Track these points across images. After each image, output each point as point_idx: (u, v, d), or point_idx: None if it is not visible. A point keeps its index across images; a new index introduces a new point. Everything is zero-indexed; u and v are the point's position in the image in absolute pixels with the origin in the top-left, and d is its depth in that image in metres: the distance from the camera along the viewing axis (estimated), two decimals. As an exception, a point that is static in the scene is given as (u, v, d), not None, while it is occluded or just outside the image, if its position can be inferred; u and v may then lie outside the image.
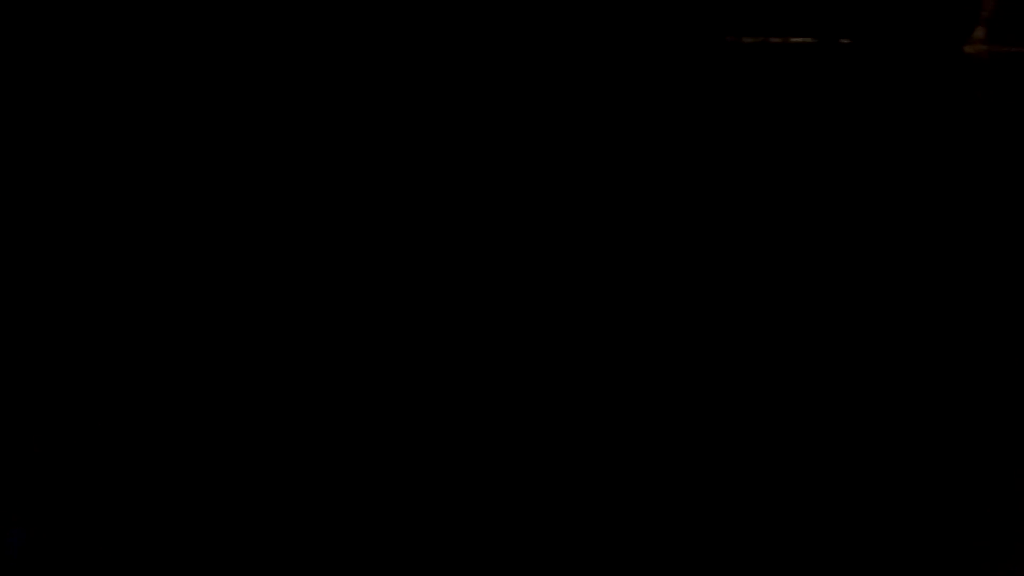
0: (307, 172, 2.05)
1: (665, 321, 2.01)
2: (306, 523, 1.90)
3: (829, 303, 1.99)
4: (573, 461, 1.93)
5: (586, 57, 2.00)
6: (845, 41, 1.96)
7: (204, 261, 2.03)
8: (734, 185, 2.02)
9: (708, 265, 2.01)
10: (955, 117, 1.96)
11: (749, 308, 2.00)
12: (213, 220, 2.03)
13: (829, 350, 1.97)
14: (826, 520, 1.85)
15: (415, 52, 2.01)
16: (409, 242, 2.03)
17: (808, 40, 1.97)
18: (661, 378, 1.98)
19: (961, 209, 1.97)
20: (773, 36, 1.97)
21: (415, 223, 2.04)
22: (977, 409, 1.91)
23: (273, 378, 2.00)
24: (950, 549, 1.79)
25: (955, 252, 1.97)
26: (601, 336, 2.01)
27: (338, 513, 1.90)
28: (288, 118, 2.04)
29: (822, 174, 2.00)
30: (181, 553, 1.87)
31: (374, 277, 2.04)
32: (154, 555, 1.87)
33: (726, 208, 2.01)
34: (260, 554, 1.87)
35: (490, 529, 1.88)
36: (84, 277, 2.02)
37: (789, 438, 1.93)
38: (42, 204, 2.02)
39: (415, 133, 2.04)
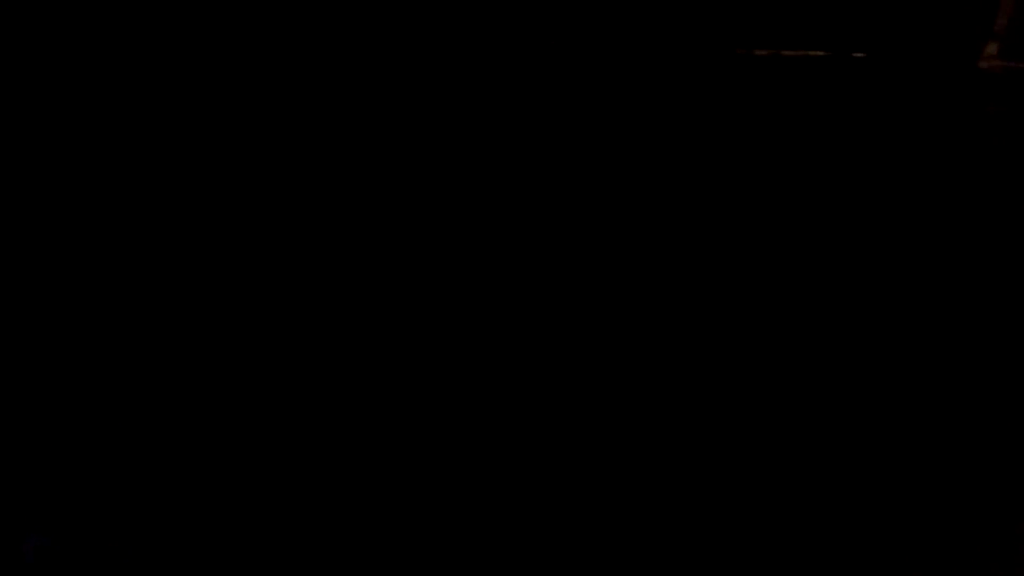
0: (307, 172, 2.05)
1: (687, 329, 2.01)
2: (316, 525, 1.91)
3: (843, 311, 2.00)
4: (573, 461, 1.94)
5: (597, 68, 2.00)
6: (858, 55, 1.96)
7: (205, 262, 2.03)
8: (746, 196, 2.02)
9: (722, 274, 2.02)
10: (967, 131, 1.96)
11: (761, 313, 2.00)
12: (213, 220, 2.04)
13: (838, 354, 1.98)
14: (826, 520, 1.86)
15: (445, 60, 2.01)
16: (409, 243, 2.04)
17: (821, 53, 1.96)
18: (661, 379, 1.99)
19: (974, 221, 1.97)
20: (786, 49, 1.96)
21: (416, 224, 2.04)
22: (977, 409, 1.92)
23: (288, 382, 2.01)
24: (950, 549, 1.81)
25: (967, 263, 1.97)
26: (610, 338, 2.02)
27: (338, 513, 1.91)
28: (288, 118, 2.03)
29: (834, 186, 2.00)
30: (191, 559, 1.88)
31: (373, 277, 2.04)
32: (165, 562, 1.88)
33: (736, 217, 2.01)
34: (274, 560, 1.88)
35: (490, 529, 1.89)
36: (111, 285, 2.02)
37: (789, 438, 1.94)
38: (42, 204, 2.02)
39: (443, 138, 2.04)
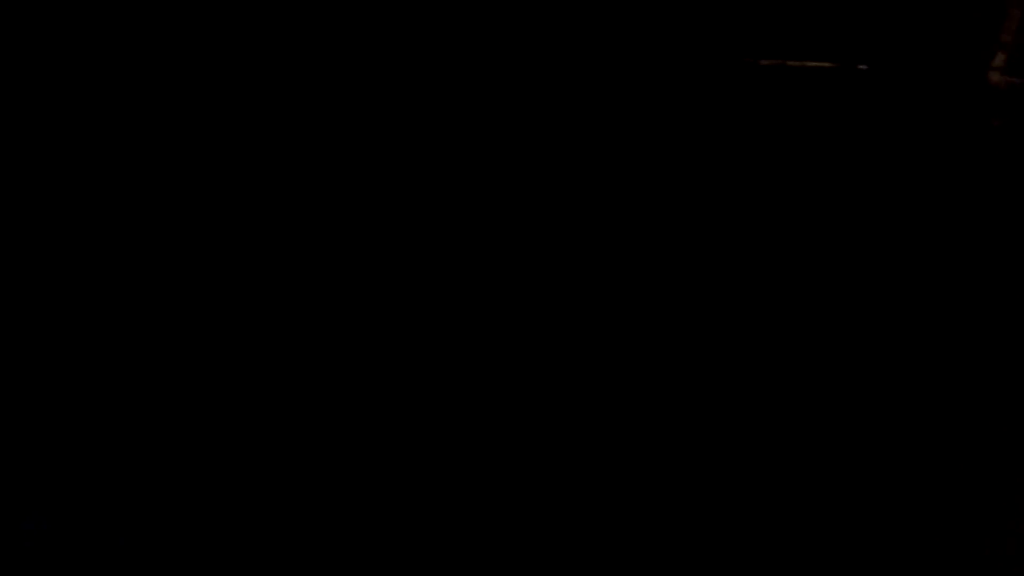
0: (307, 172, 2.07)
1: (689, 334, 2.01)
2: (303, 513, 1.91)
3: (847, 319, 1.99)
4: (572, 461, 1.93)
5: (604, 76, 2.02)
6: (863, 67, 1.97)
7: (204, 261, 2.05)
8: (751, 206, 2.02)
9: (725, 283, 2.02)
10: (973, 144, 1.96)
11: (764, 319, 2.00)
12: (211, 220, 2.06)
13: (839, 357, 1.97)
14: (826, 520, 1.84)
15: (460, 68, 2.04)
16: (408, 243, 2.05)
17: (826, 65, 1.98)
18: (663, 381, 1.98)
19: (980, 234, 1.97)
20: (791, 60, 1.98)
21: (416, 225, 2.06)
22: (977, 409, 1.90)
23: (273, 373, 2.01)
24: (950, 549, 1.78)
25: (970, 274, 1.96)
26: (612, 341, 2.02)
27: (338, 512, 1.91)
28: (288, 118, 2.06)
29: (838, 197, 2.01)
30: (186, 545, 1.88)
31: (373, 278, 2.05)
32: (161, 544, 1.88)
33: (740, 227, 2.02)
34: (263, 548, 1.88)
35: (490, 529, 1.88)
36: (103, 276, 2.05)
37: (788, 439, 1.92)
38: (43, 204, 2.06)
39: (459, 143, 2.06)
